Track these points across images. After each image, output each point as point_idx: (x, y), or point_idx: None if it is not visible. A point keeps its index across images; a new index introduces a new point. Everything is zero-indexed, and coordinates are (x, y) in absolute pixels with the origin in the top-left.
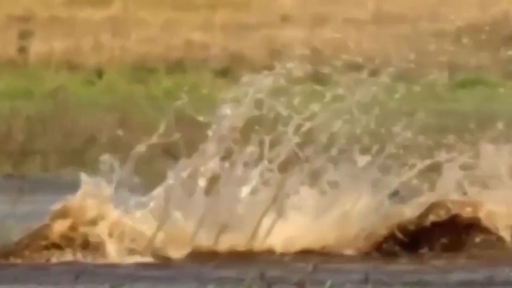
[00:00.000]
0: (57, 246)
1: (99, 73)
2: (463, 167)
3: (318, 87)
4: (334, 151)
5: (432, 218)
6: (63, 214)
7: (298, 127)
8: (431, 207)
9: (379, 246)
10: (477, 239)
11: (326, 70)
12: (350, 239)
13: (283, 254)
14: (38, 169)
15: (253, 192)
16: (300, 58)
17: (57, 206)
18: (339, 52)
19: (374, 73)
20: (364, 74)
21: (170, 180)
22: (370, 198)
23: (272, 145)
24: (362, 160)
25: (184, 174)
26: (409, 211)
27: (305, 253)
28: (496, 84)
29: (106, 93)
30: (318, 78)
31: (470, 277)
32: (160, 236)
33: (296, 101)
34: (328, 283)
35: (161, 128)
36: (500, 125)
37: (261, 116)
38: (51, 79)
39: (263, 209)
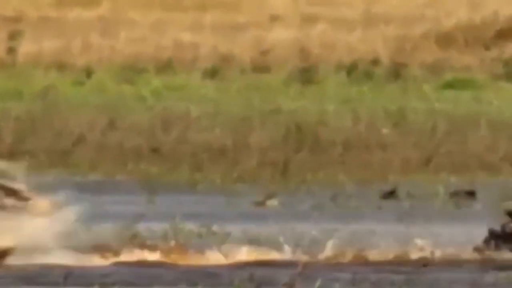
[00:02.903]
0: None
1: (88, 73)
2: None
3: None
4: None
5: None
6: None
7: None
8: None
9: None
10: None
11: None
12: None
13: None
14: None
15: None
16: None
17: None
18: (329, 52)
19: (363, 73)
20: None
21: None
22: None
23: None
24: None
25: None
26: None
27: None
28: (484, 84)
29: (95, 93)
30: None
31: None
32: None
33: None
34: (317, 284)
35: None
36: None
37: None
38: (40, 79)
39: None
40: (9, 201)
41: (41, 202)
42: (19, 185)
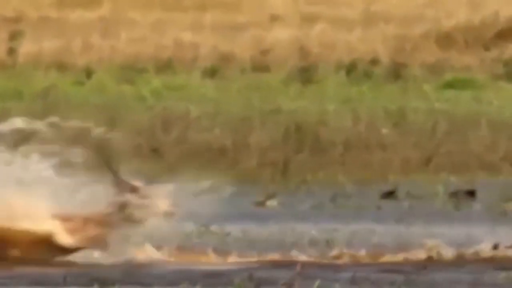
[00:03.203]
0: None
1: (89, 73)
2: None
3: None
4: None
5: None
6: None
7: None
8: None
9: None
10: None
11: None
12: None
13: None
14: None
15: None
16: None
17: None
18: (328, 52)
19: (363, 72)
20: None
21: None
22: None
23: None
24: None
25: None
26: None
27: None
28: (484, 84)
29: (95, 93)
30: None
31: None
32: None
33: None
34: (317, 284)
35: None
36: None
37: None
38: (40, 79)
39: None
40: (132, 197)
41: (161, 201)
42: (137, 182)
